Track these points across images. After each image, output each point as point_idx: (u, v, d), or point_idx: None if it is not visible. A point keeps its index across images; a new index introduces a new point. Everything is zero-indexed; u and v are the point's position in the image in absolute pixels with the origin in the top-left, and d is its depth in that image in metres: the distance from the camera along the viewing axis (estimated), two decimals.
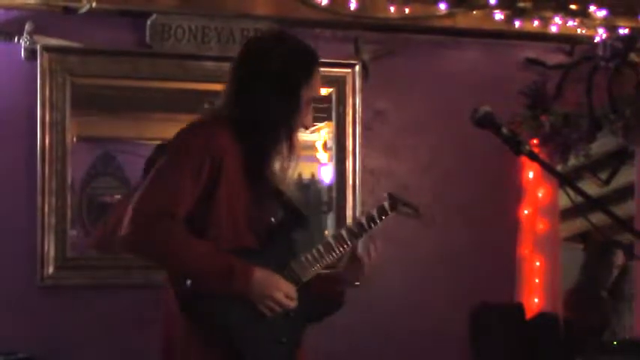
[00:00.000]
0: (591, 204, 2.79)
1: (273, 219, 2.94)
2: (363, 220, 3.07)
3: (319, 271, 2.96)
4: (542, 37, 5.01)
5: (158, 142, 4.25)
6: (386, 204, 3.12)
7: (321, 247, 2.97)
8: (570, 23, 4.96)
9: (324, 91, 4.59)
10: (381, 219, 3.09)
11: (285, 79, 2.87)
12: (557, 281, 5.00)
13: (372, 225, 3.07)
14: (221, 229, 2.76)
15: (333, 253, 2.97)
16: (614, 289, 5.65)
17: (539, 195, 4.98)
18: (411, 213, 3.22)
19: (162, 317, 2.84)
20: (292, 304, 2.80)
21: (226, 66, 4.40)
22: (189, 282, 2.68)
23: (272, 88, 2.85)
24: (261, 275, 2.74)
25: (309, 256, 2.94)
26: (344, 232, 3.02)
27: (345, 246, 3.00)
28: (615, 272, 5.66)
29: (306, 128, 3.00)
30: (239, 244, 2.79)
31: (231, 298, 2.71)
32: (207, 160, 2.72)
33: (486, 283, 4.80)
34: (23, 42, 4.28)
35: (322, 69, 3.03)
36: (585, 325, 5.34)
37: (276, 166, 2.94)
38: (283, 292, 2.78)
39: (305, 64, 2.92)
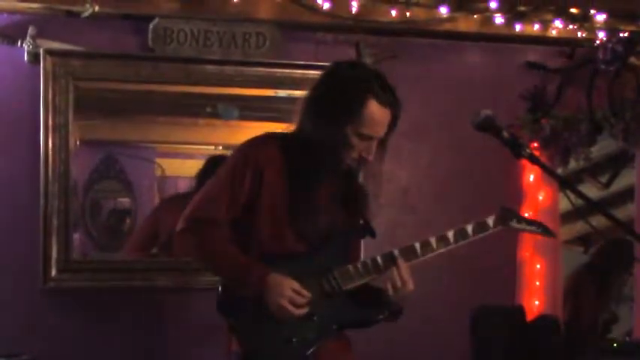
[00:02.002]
0: (592, 207, 2.81)
1: (329, 226, 3.02)
2: (450, 234, 3.08)
3: (366, 280, 3.00)
4: (542, 40, 5.02)
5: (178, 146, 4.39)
6: (490, 219, 3.11)
7: (379, 259, 3.01)
8: (571, 27, 4.98)
9: None
10: (475, 235, 3.09)
11: (329, 113, 2.96)
12: (557, 284, 5.02)
13: (460, 240, 3.08)
14: (263, 234, 2.96)
15: (394, 264, 2.99)
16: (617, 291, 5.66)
17: (540, 198, 4.99)
18: (534, 230, 3.22)
19: None
20: (297, 311, 2.87)
21: (228, 69, 4.55)
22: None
23: (318, 120, 2.98)
24: (273, 281, 2.86)
25: (360, 266, 3.00)
26: (417, 245, 3.04)
27: (414, 259, 3.03)
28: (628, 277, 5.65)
29: (363, 159, 3.03)
30: (283, 248, 2.95)
31: (248, 299, 2.89)
32: (248, 172, 2.95)
33: (487, 285, 4.81)
34: (26, 46, 4.29)
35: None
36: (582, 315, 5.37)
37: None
38: (287, 298, 2.85)
39: (353, 96, 2.96)
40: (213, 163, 4.52)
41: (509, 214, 3.15)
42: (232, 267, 2.92)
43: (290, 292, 2.86)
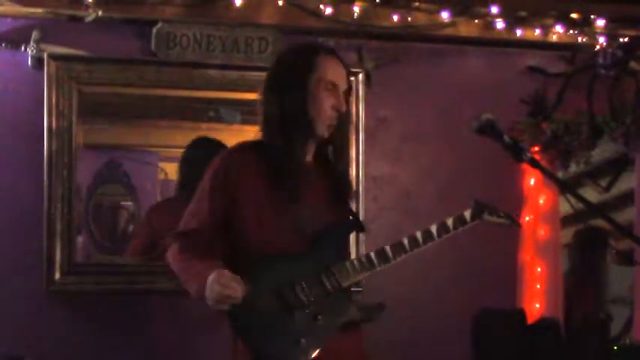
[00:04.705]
0: (592, 210, 2.83)
1: (319, 223, 3.03)
2: (433, 229, 3.12)
3: (362, 277, 3.06)
4: (543, 45, 5.05)
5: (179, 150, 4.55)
6: (467, 213, 3.18)
7: (373, 255, 3.06)
8: (571, 32, 5.01)
9: None
10: (455, 229, 3.15)
11: (286, 76, 3.04)
12: (558, 287, 5.02)
13: (443, 235, 3.13)
14: (255, 239, 2.97)
15: (386, 262, 3.06)
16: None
17: (541, 201, 5.00)
18: (503, 222, 3.29)
19: None
20: (231, 291, 2.80)
21: (231, 74, 4.57)
22: None
23: (278, 95, 3.03)
24: (212, 277, 2.84)
25: (356, 262, 3.04)
26: (405, 241, 3.09)
27: (404, 254, 3.08)
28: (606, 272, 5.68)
29: (338, 111, 3.07)
30: (277, 250, 2.97)
31: (256, 300, 2.88)
32: (224, 185, 2.99)
33: (488, 288, 4.82)
34: (30, 50, 4.32)
35: None
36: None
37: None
38: (220, 283, 2.80)
39: (302, 57, 3.07)
40: (196, 147, 4.56)
41: (482, 207, 3.23)
42: (184, 276, 3.02)
43: (224, 279, 2.82)
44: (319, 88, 3.03)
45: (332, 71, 3.07)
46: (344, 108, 3.07)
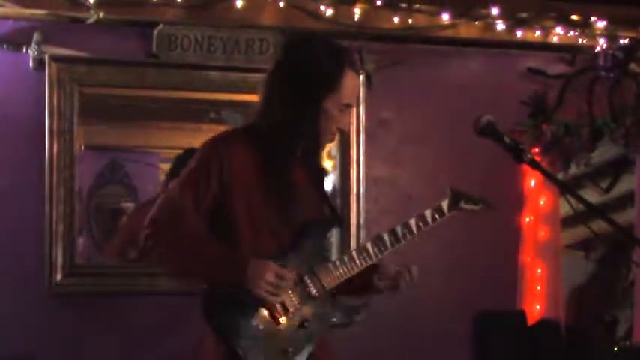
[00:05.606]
0: (592, 212, 2.83)
1: (306, 220, 2.94)
2: (412, 223, 3.05)
3: (346, 277, 2.96)
4: (543, 47, 5.06)
5: (179, 151, 4.39)
6: (444, 204, 3.11)
7: (354, 253, 2.99)
8: (571, 33, 5.02)
9: None
10: (434, 221, 3.08)
11: (305, 88, 2.87)
12: (558, 288, 5.03)
13: (422, 227, 3.05)
14: (240, 234, 2.86)
15: (369, 258, 2.97)
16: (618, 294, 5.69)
17: (541, 203, 5.01)
18: (478, 209, 3.21)
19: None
20: (283, 283, 2.76)
21: (232, 75, 4.57)
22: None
23: (290, 97, 2.88)
24: (255, 262, 2.75)
25: (338, 263, 2.95)
26: (385, 236, 3.01)
27: (385, 251, 3.00)
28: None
29: (341, 132, 3.02)
30: (260, 246, 2.85)
31: (242, 309, 2.79)
32: (213, 170, 2.83)
33: (488, 290, 4.82)
34: (31, 52, 4.33)
35: None
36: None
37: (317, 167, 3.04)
38: (274, 272, 2.74)
39: (326, 73, 2.88)
40: (183, 159, 4.51)
41: (459, 196, 3.16)
42: (207, 258, 2.81)
43: (275, 267, 2.75)
44: (335, 107, 2.90)
45: (351, 92, 2.94)
46: (348, 127, 3.01)
